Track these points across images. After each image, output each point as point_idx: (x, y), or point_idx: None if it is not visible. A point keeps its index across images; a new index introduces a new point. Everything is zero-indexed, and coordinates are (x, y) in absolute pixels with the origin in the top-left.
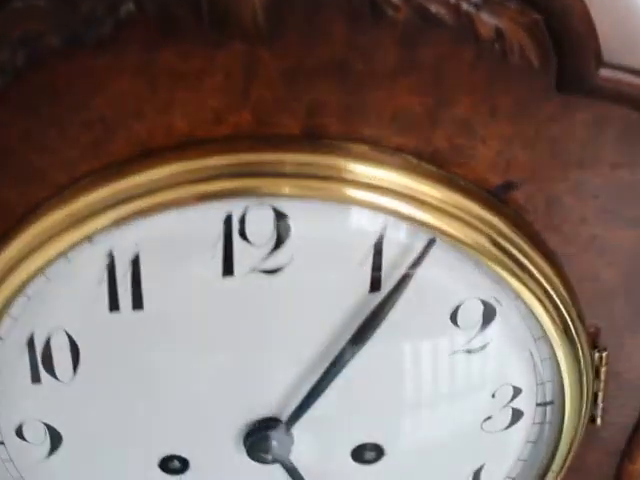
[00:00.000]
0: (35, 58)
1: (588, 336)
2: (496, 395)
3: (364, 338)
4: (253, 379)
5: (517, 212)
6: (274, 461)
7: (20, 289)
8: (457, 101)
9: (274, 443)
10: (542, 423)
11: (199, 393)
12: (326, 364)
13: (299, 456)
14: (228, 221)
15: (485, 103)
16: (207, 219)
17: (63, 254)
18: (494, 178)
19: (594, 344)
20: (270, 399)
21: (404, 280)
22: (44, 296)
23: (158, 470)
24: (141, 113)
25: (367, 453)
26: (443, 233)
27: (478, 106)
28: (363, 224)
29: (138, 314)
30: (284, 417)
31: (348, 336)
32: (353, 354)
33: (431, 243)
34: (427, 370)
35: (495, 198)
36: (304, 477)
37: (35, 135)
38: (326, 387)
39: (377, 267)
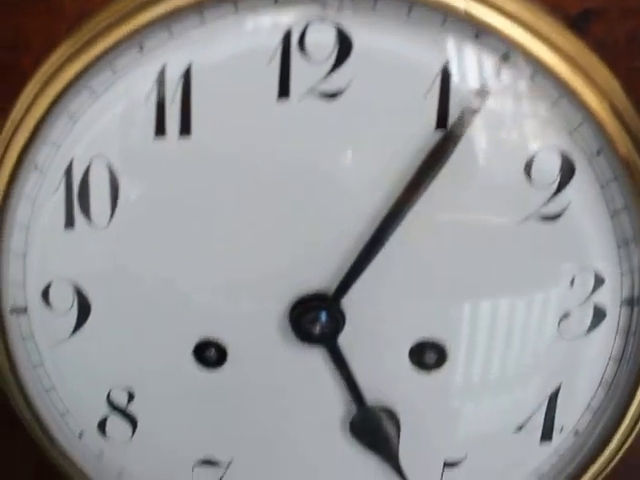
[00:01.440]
0: None
1: None
2: (575, 283)
3: (423, 182)
4: (300, 239)
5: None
6: (320, 339)
7: (61, 103)
8: None
9: (322, 315)
10: (627, 333)
11: (242, 256)
12: (380, 217)
13: (350, 347)
14: (287, 37)
15: None
16: (266, 33)
17: (109, 62)
18: (572, 5)
19: None
20: (318, 270)
21: (472, 115)
22: (87, 117)
23: (192, 359)
24: None
25: (427, 355)
26: (515, 45)
27: None
28: (430, 45)
29: (185, 141)
30: (335, 289)
31: (407, 179)
32: (410, 204)
33: (505, 60)
34: (495, 243)
35: (574, 24)
36: (351, 368)
37: None
38: (379, 248)
39: (444, 98)
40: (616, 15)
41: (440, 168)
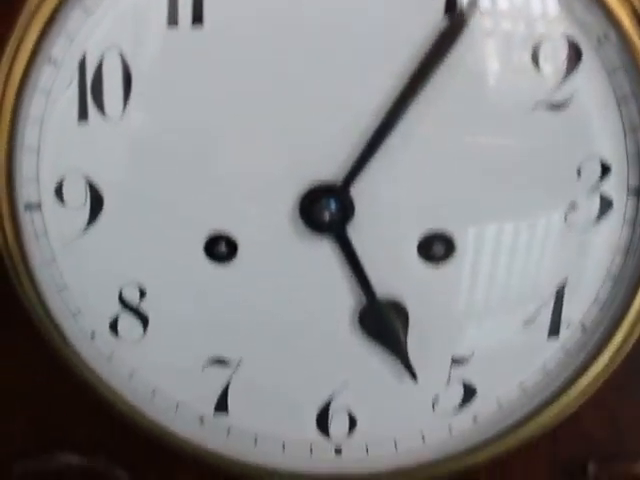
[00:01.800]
0: None
1: None
2: (582, 172)
3: (431, 68)
4: (310, 127)
5: None
6: (329, 227)
7: None
8: None
9: (331, 202)
10: (634, 224)
11: (252, 146)
12: (388, 105)
13: (359, 240)
14: None
15: None
16: None
17: None
18: None
19: None
20: (328, 158)
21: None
22: (100, 9)
23: (203, 254)
24: None
25: (435, 247)
26: None
27: None
28: None
29: (197, 30)
30: (343, 178)
31: (417, 60)
32: (418, 90)
33: None
34: (502, 125)
35: None
36: (360, 260)
37: None
38: (386, 136)
39: None
40: None
41: (447, 53)
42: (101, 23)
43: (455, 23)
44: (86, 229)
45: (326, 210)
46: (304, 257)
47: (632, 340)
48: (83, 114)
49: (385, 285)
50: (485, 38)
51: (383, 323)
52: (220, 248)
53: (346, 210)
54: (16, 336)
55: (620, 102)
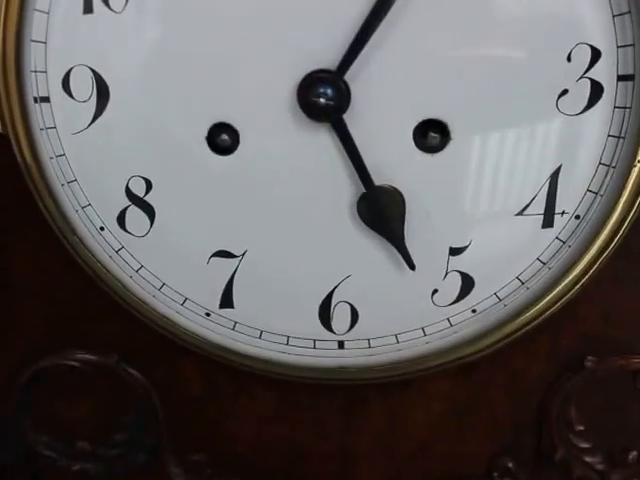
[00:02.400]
0: None
1: None
2: (572, 58)
3: None
4: (307, 19)
5: None
6: (327, 113)
7: None
8: None
9: (327, 87)
10: (624, 109)
11: (251, 35)
12: None
13: (356, 129)
14: None
15: None
16: None
17: None
18: None
19: None
20: (325, 45)
21: None
22: None
23: (206, 147)
24: None
25: (430, 135)
26: None
27: None
28: None
29: None
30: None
31: None
32: None
33: None
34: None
35: None
36: (357, 147)
37: None
38: (378, 20)
39: None
40: None
41: None
42: None
43: None
44: (93, 121)
45: (322, 96)
46: (304, 146)
47: (624, 228)
48: (88, 7)
49: (383, 175)
50: None
51: (380, 210)
52: (223, 138)
53: (342, 97)
54: (30, 235)
55: None
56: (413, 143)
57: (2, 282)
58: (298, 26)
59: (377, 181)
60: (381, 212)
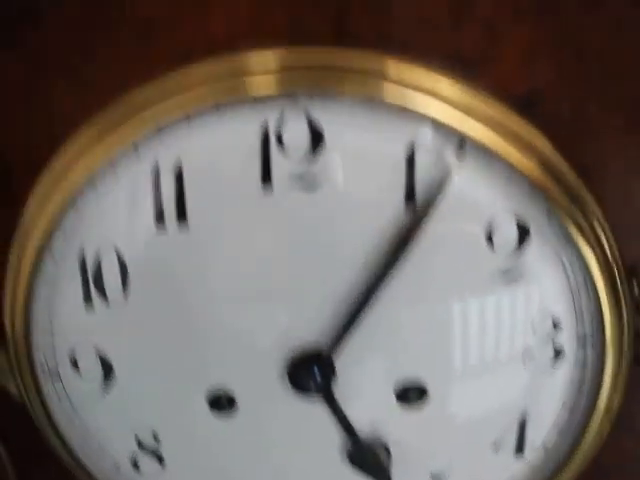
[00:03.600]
0: None
1: (625, 266)
2: (536, 327)
3: (401, 252)
4: (294, 304)
5: (545, 122)
6: (317, 391)
7: (70, 200)
8: (480, 3)
9: (315, 372)
10: (584, 362)
11: (242, 318)
12: (366, 281)
13: (341, 389)
14: (265, 128)
15: (507, 4)
16: (244, 125)
17: (109, 162)
18: (520, 85)
19: (632, 274)
20: (311, 328)
21: (437, 188)
22: (93, 209)
23: (207, 408)
24: (179, 15)
25: (410, 393)
26: (470, 138)
27: (500, 7)
28: (394, 129)
29: (183, 230)
30: (325, 347)
31: (387, 250)
32: (392, 269)
33: (461, 147)
34: (464, 296)
35: (521, 106)
36: (343, 410)
37: (84, 44)
38: (365, 311)
39: (410, 177)
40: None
41: (410, 245)
42: (93, 222)
43: (417, 218)
44: (101, 392)
45: (310, 380)
46: (296, 410)
47: (590, 458)
48: (88, 300)
49: (367, 427)
50: (443, 222)
51: (368, 461)
52: (221, 402)
53: (328, 375)
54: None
55: (568, 263)
56: (395, 400)
57: None
58: (288, 304)
59: (363, 433)
60: (369, 462)
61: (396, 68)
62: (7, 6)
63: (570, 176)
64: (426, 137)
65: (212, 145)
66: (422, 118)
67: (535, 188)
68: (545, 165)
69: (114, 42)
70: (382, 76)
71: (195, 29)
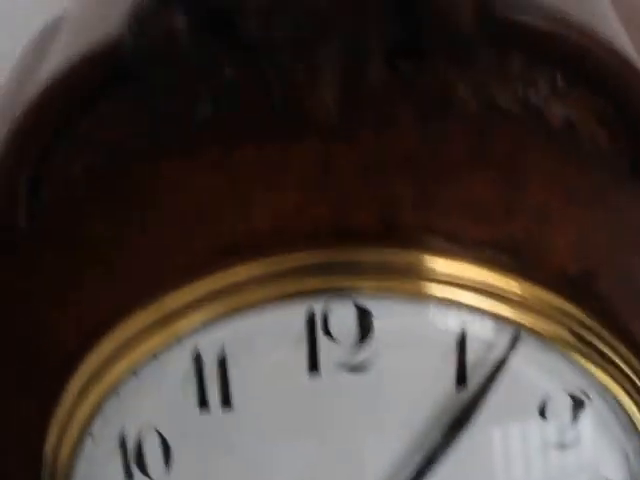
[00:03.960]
0: (117, 161)
1: None
2: None
3: (454, 435)
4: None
5: (598, 301)
6: None
7: (112, 389)
8: (531, 189)
9: None
10: None
11: None
12: (417, 462)
13: None
14: (311, 318)
15: (559, 190)
16: (290, 316)
17: (152, 354)
18: (573, 266)
19: None
20: None
21: (490, 375)
22: (134, 394)
23: None
24: (220, 211)
25: None
26: (525, 328)
27: (552, 193)
28: (444, 320)
29: (227, 412)
30: None
31: (438, 433)
32: (444, 451)
33: (515, 338)
34: (520, 465)
35: (574, 287)
36: None
37: (121, 239)
38: None
39: (461, 363)
40: None
41: (462, 429)
42: (135, 406)
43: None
44: None
45: None
46: None
47: None
48: (129, 476)
49: None
50: (496, 402)
51: None
52: None
53: None
54: None
55: (623, 433)
56: None
57: None
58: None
59: None
60: None
61: (444, 262)
62: None
63: (621, 349)
64: (477, 327)
65: (257, 333)
66: (473, 309)
67: (590, 367)
68: (599, 341)
69: (152, 238)
70: (430, 271)
71: (238, 223)
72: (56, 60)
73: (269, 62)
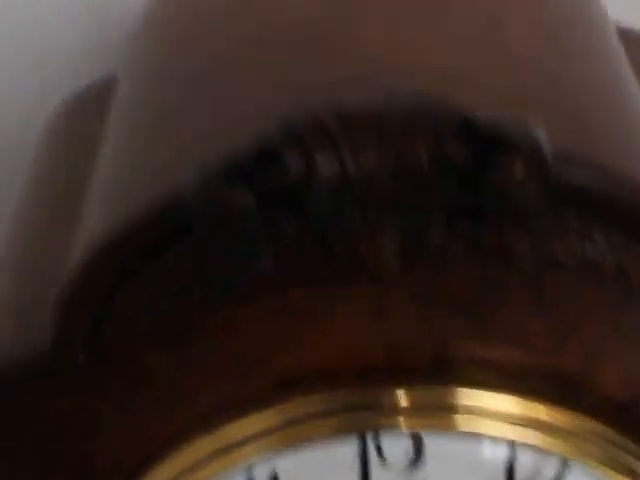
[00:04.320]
0: (178, 308)
1: None
2: None
3: None
4: None
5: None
6: None
7: None
8: (583, 324)
9: None
10: None
11: None
12: None
13: None
14: (363, 450)
15: (611, 324)
16: (342, 449)
17: None
18: (622, 395)
19: None
20: None
21: None
22: None
23: None
24: (274, 351)
25: None
26: (574, 458)
27: (604, 327)
28: (493, 450)
29: None
30: None
31: None
32: None
33: (563, 466)
34: None
35: (622, 416)
36: None
37: (180, 379)
38: None
39: None
40: None
41: None
42: None
43: None
44: None
45: None
46: None
47: None
48: None
49: None
50: None
51: None
52: None
53: None
54: None
55: None
56: None
57: None
58: None
59: None
60: None
61: (493, 397)
62: None
63: None
64: (525, 456)
65: (309, 457)
66: (522, 442)
67: None
68: None
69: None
70: (479, 408)
71: (290, 362)
72: (113, 198)
73: (334, 230)
